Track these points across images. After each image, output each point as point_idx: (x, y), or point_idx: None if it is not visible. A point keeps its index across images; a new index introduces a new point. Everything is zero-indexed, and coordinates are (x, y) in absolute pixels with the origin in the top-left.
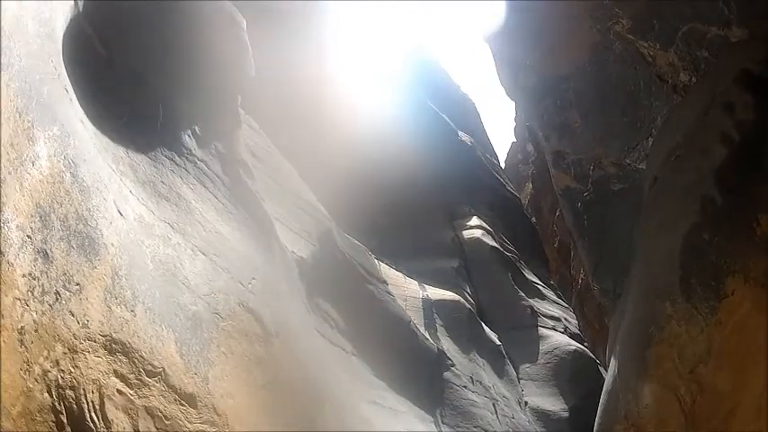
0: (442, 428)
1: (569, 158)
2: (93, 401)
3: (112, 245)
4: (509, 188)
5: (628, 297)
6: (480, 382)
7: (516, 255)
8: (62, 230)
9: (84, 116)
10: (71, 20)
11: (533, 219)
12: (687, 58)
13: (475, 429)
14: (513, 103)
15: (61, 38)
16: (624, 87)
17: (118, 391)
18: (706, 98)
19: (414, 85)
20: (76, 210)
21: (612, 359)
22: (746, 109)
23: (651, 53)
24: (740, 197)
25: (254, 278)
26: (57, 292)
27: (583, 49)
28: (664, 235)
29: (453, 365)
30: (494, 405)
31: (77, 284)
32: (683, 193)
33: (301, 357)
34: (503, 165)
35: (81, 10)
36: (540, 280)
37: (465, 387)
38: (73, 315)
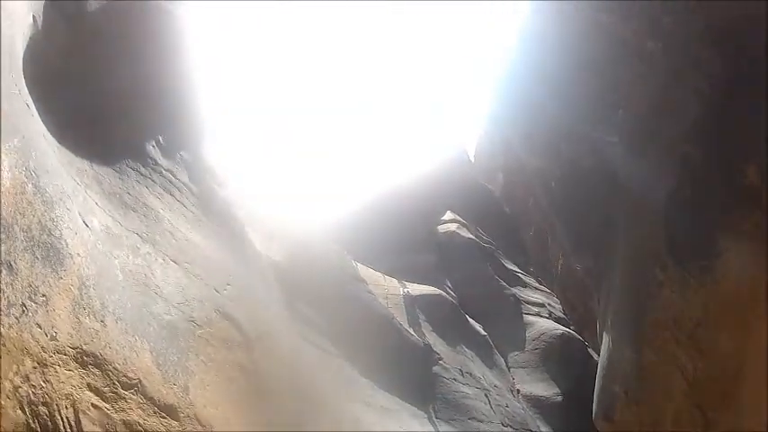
0: (437, 423)
1: (538, 138)
2: (67, 417)
3: (78, 255)
4: (480, 180)
5: (614, 270)
6: (470, 374)
7: (493, 245)
8: (26, 241)
9: (47, 131)
10: (30, 38)
11: (507, 209)
12: (650, 24)
13: (470, 421)
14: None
15: (22, 55)
16: (589, 59)
17: (93, 405)
18: (674, 59)
19: None
20: (40, 220)
21: (605, 335)
22: (715, 63)
23: (612, 21)
24: (720, 150)
25: (228, 284)
26: (23, 305)
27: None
28: (647, 200)
29: (441, 359)
30: (486, 396)
31: (44, 296)
32: (660, 154)
33: (286, 362)
34: (472, 158)
35: (40, 28)
36: (519, 268)
37: (455, 380)
38: (40, 327)
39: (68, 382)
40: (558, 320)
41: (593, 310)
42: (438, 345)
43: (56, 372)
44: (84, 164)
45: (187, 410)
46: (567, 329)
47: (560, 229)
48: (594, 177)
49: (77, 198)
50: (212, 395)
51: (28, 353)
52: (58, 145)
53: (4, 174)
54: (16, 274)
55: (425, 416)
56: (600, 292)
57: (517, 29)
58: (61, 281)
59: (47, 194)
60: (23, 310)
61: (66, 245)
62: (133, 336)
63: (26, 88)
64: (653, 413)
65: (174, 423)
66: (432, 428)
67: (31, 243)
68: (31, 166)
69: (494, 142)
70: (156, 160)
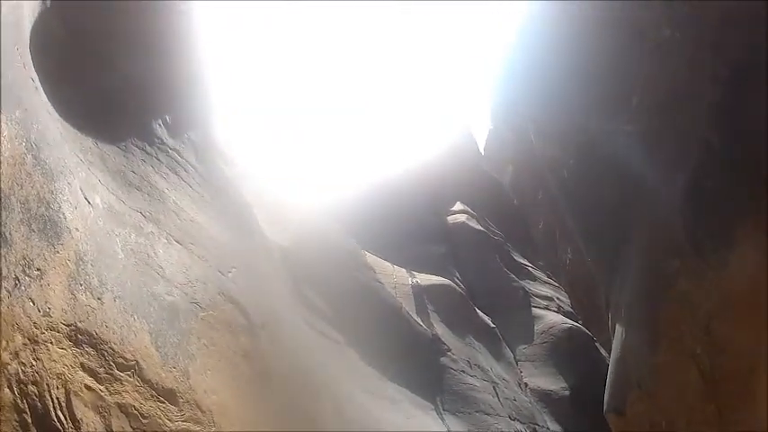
0: (444, 415)
1: (551, 126)
2: (58, 398)
3: (77, 229)
4: (490, 172)
5: (628, 261)
6: (478, 366)
7: (503, 237)
8: (22, 213)
9: (51, 107)
10: (39, 15)
11: (516, 202)
12: (667, 12)
13: (477, 414)
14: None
15: (29, 31)
16: (603, 48)
17: (86, 386)
18: (690, 46)
19: None
20: (38, 193)
21: (618, 326)
22: (733, 48)
23: (628, 10)
24: (741, 136)
25: (234, 267)
26: (16, 278)
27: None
28: (663, 189)
29: (449, 350)
30: (494, 388)
31: (38, 270)
32: (678, 142)
33: (291, 349)
34: (482, 150)
35: (49, 6)
36: (528, 261)
37: (463, 371)
38: (33, 302)
39: (60, 361)
40: (566, 314)
41: (601, 307)
42: (446, 336)
43: (47, 349)
44: (88, 141)
45: (187, 395)
46: (576, 324)
47: (571, 221)
48: (608, 167)
49: (80, 174)
50: (214, 381)
51: (18, 328)
52: (63, 122)
53: (4, 144)
54: (10, 246)
55: (432, 407)
56: (612, 284)
57: (529, 17)
58: (58, 255)
59: (47, 167)
60: (16, 284)
61: (65, 218)
62: (132, 315)
63: (32, 64)
64: (666, 409)
65: (173, 408)
66: (438, 420)
67: (28, 215)
68: (32, 139)
69: (503, 136)
70: (162, 139)
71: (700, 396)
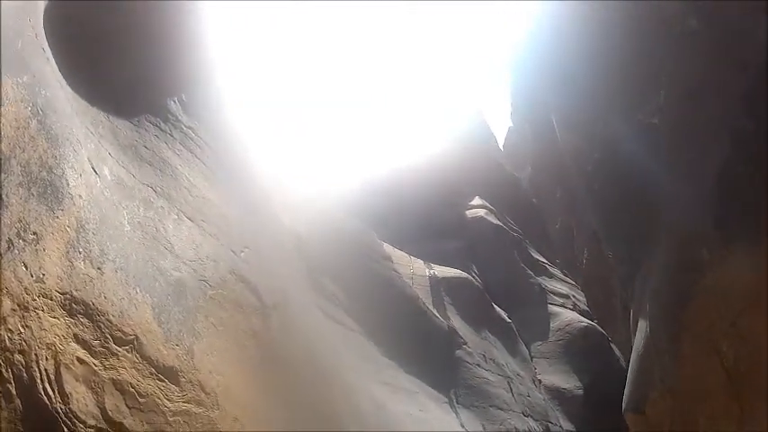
0: (457, 408)
1: (576, 118)
2: (46, 370)
3: (80, 196)
4: (509, 169)
5: (652, 255)
6: (493, 361)
7: (521, 233)
8: (22, 176)
9: (63, 80)
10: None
11: (534, 200)
12: (692, 3)
13: (491, 408)
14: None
15: (43, 8)
16: (630, 39)
17: (78, 359)
18: (717, 34)
19: None
20: (41, 157)
21: (641, 321)
22: (760, 32)
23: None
24: None
25: (246, 247)
26: (9, 240)
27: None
28: (691, 179)
29: (465, 343)
30: (509, 383)
31: (34, 234)
32: (707, 132)
33: (303, 333)
34: (501, 147)
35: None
36: (545, 259)
37: (478, 365)
38: (26, 267)
39: (52, 331)
40: (582, 313)
41: (616, 306)
42: (462, 329)
43: (38, 317)
44: (100, 115)
45: (190, 375)
46: (591, 322)
47: (593, 217)
48: (634, 161)
49: (88, 145)
50: (220, 361)
51: (8, 293)
52: (74, 94)
53: (6, 107)
54: (6, 208)
55: (446, 400)
56: (634, 280)
57: (554, 10)
58: (57, 220)
59: (52, 132)
60: (9, 246)
61: (68, 184)
62: (134, 288)
63: (44, 34)
64: (687, 406)
65: (174, 388)
66: (452, 413)
67: (28, 179)
68: (38, 104)
69: (522, 133)
70: (177, 116)
71: (723, 392)
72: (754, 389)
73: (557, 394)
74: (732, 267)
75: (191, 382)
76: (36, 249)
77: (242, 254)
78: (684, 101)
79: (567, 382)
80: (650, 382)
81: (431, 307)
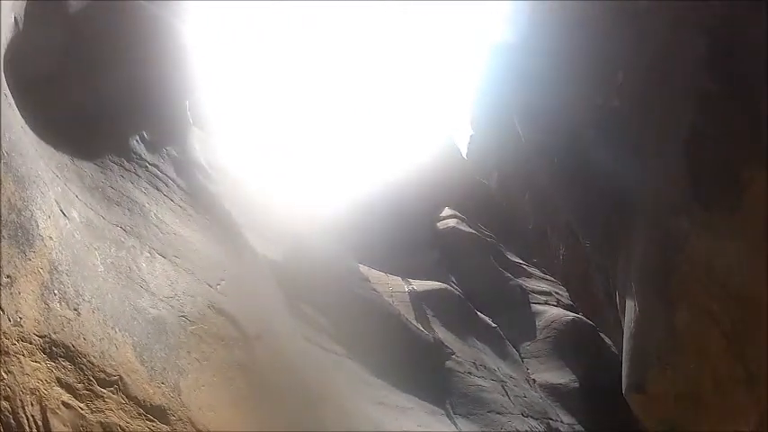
0: (456, 419)
1: (539, 114)
2: (33, 416)
3: (50, 238)
4: (475, 176)
5: (631, 233)
6: (484, 366)
7: (494, 238)
8: None
9: (26, 125)
10: (12, 39)
11: (504, 204)
12: None
13: (489, 414)
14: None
15: (3, 53)
16: (584, 29)
17: (64, 403)
18: (673, 3)
19: None
20: (9, 199)
21: (628, 301)
22: None
23: None
24: (737, 80)
25: (222, 279)
26: None
27: None
28: (661, 151)
29: (453, 354)
30: (503, 387)
31: (8, 277)
32: (674, 99)
33: (290, 362)
34: (464, 156)
35: (21, 29)
36: (522, 260)
37: (470, 373)
38: (3, 311)
39: (34, 375)
40: (566, 307)
41: (598, 296)
42: (449, 339)
43: (19, 362)
44: (64, 158)
45: (179, 413)
46: (577, 315)
47: (565, 209)
48: (599, 146)
49: (55, 188)
50: (209, 396)
51: None
52: (38, 140)
53: None
54: None
55: (443, 412)
56: (616, 264)
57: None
58: (30, 262)
59: (19, 174)
60: None
61: (37, 226)
62: (113, 328)
63: (5, 82)
64: (690, 376)
65: (164, 427)
66: (451, 425)
67: None
68: (3, 147)
69: (485, 141)
70: (140, 155)
71: (724, 356)
72: (757, 347)
73: (553, 391)
74: (715, 230)
75: (181, 420)
76: (11, 293)
77: (218, 286)
78: (644, 75)
79: (562, 377)
80: (647, 361)
81: (414, 322)
